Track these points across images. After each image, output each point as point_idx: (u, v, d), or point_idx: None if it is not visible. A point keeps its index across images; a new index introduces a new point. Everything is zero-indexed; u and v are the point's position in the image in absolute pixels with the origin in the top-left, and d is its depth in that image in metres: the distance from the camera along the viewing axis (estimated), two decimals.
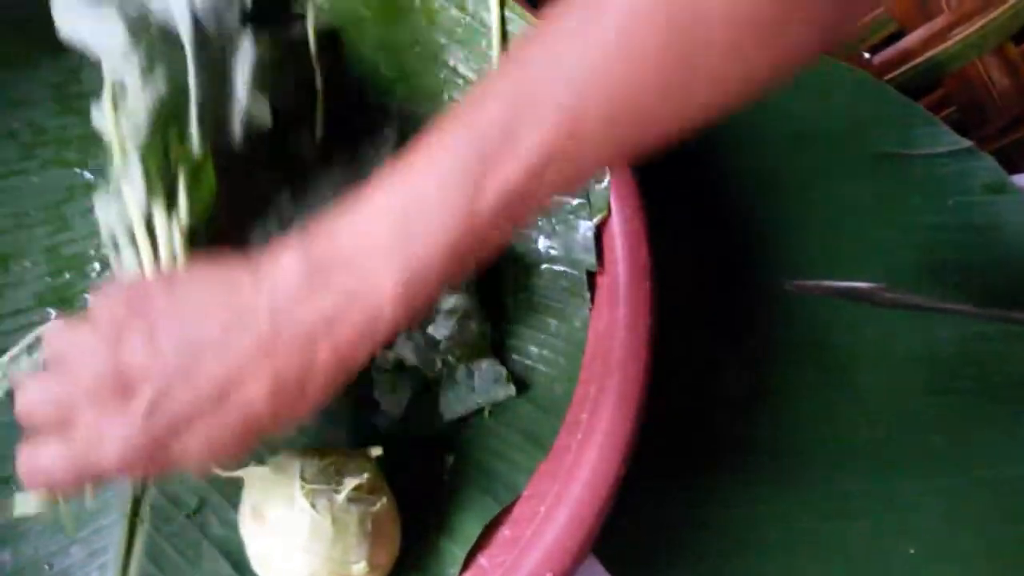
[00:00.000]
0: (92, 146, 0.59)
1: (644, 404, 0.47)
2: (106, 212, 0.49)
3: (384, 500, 0.46)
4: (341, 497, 0.44)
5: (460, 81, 0.59)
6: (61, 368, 0.38)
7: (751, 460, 0.56)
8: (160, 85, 0.49)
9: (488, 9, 0.57)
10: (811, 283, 0.54)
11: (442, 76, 0.59)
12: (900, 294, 0.56)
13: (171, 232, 0.49)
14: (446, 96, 0.59)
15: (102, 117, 0.52)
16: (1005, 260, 0.62)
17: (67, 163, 0.59)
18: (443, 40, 0.59)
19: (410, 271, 0.36)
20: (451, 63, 0.59)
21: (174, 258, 0.47)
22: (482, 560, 0.46)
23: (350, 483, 0.44)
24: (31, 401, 0.38)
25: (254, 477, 0.46)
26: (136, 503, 0.50)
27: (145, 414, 0.36)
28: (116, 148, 0.50)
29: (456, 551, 0.47)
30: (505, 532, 0.47)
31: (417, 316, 0.39)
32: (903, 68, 0.75)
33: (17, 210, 0.57)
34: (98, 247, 0.56)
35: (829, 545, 0.54)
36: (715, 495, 0.55)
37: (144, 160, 0.48)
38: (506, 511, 0.48)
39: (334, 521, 0.43)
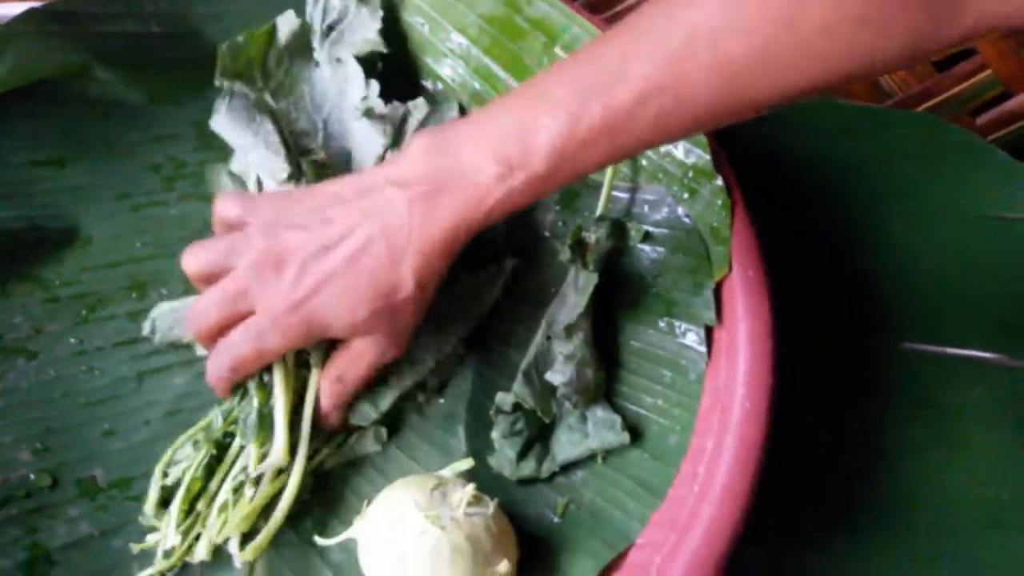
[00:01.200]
0: None
1: (762, 462, 0.48)
2: None
3: (494, 501, 0.48)
4: (460, 511, 0.46)
5: None
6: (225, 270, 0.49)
7: (863, 518, 0.56)
8: None
9: None
10: (930, 348, 0.54)
11: None
12: (1013, 361, 0.56)
13: None
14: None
15: None
16: None
17: (204, 197, 0.62)
18: None
19: (509, 165, 0.44)
20: None
21: None
22: None
23: (461, 496, 0.46)
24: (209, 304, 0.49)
25: (366, 529, 0.47)
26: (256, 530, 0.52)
27: (296, 275, 0.46)
28: None
29: None
30: None
31: (513, 210, 0.46)
32: (1008, 129, 0.75)
33: (158, 239, 0.60)
34: None
35: None
36: (827, 552, 0.55)
37: None
38: (619, 558, 0.49)
39: (466, 536, 0.45)
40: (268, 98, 0.59)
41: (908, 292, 0.63)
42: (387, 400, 0.54)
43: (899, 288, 0.63)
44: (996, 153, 0.70)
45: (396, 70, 0.63)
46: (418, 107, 0.60)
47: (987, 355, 0.54)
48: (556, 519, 0.51)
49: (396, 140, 0.58)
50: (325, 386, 0.51)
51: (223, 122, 0.59)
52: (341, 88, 0.59)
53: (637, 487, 0.51)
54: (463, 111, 0.63)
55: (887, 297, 0.63)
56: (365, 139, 0.57)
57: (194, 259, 0.50)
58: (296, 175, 0.56)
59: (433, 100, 0.63)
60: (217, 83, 0.59)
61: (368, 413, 0.54)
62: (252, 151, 0.58)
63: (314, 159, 0.57)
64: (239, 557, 0.50)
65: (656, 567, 0.46)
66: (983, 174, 0.69)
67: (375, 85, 0.59)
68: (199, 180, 0.62)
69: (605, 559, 0.48)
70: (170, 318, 0.56)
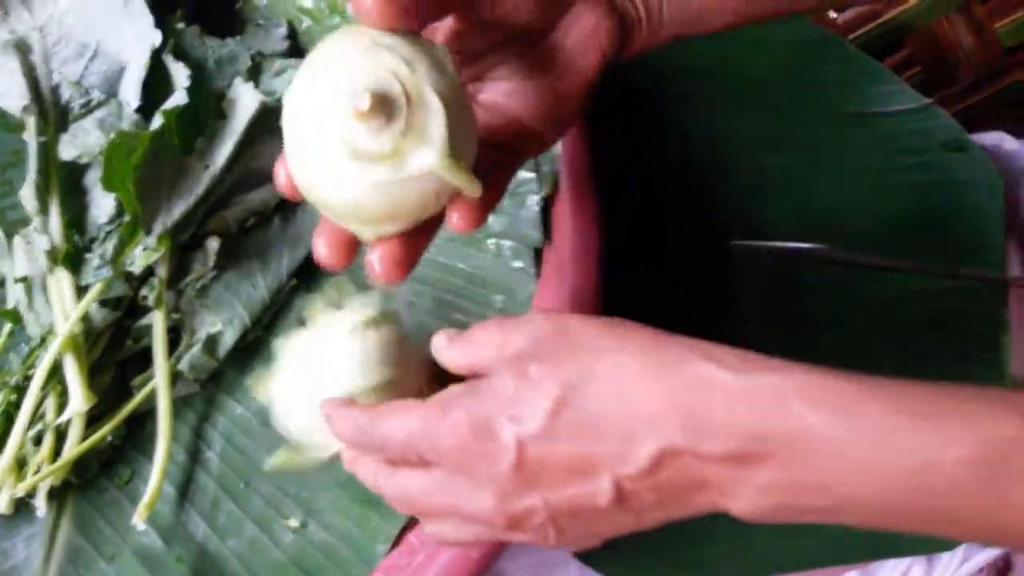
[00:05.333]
0: None
1: None
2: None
3: None
4: None
5: None
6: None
7: None
8: None
9: None
10: (755, 244, 0.53)
11: None
12: (845, 253, 0.55)
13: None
14: None
15: None
16: (962, 217, 0.61)
17: (11, 128, 0.57)
18: None
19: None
20: None
21: None
22: (411, 538, 0.45)
23: None
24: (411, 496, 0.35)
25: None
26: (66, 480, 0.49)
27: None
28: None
29: (387, 528, 0.46)
30: None
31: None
32: (868, 27, 0.73)
33: None
34: None
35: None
36: None
37: None
38: None
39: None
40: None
41: (760, 191, 0.61)
42: (225, 348, 0.51)
43: (750, 187, 0.61)
44: (851, 50, 0.67)
45: None
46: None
47: (813, 246, 0.53)
48: None
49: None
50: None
51: None
52: None
53: None
54: (292, 30, 0.59)
55: (735, 198, 0.61)
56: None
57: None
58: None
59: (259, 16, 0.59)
60: None
61: (208, 364, 0.51)
62: None
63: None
64: (42, 509, 0.47)
65: None
66: (840, 71, 0.67)
67: None
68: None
69: None
70: None
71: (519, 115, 0.37)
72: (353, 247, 0.34)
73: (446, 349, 0.36)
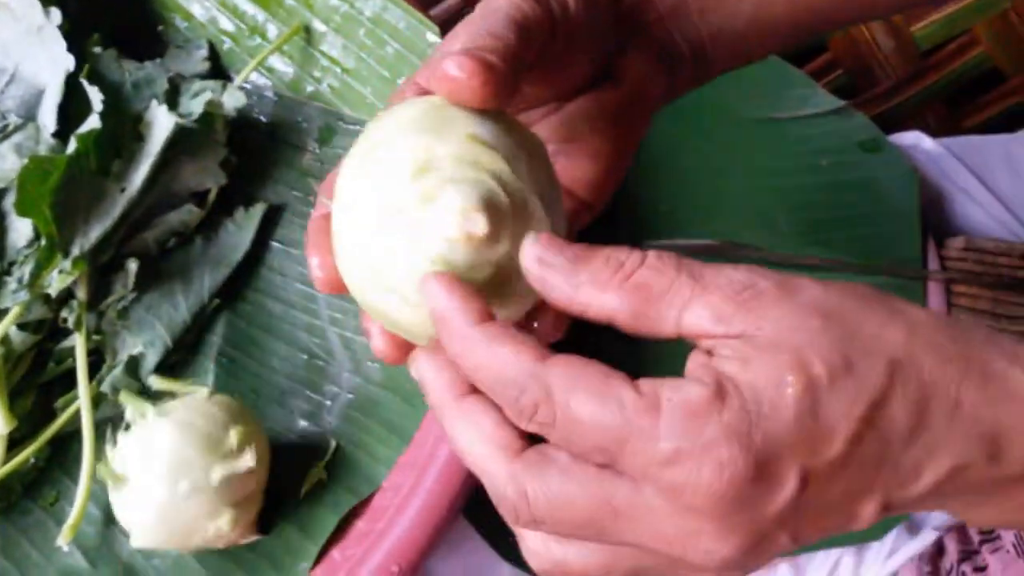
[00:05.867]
0: None
1: None
2: None
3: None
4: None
5: (338, 69, 0.58)
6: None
7: None
8: None
9: None
10: (665, 242, 0.54)
11: (322, 65, 0.58)
12: (759, 251, 0.56)
13: None
14: (325, 86, 0.58)
15: None
16: (877, 215, 0.62)
17: None
18: (321, 28, 0.58)
19: None
20: (327, 51, 0.58)
21: None
22: (335, 554, 0.46)
23: None
24: None
25: None
26: None
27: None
28: None
29: (310, 545, 0.47)
30: (360, 525, 0.47)
31: None
32: None
33: None
34: None
35: None
36: None
37: None
38: (365, 503, 0.48)
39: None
40: None
41: (677, 200, 0.62)
42: (147, 369, 0.52)
43: (666, 196, 0.62)
44: (771, 59, 0.68)
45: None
46: None
47: (722, 242, 0.54)
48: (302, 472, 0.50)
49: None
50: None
51: None
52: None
53: (388, 432, 0.50)
54: (213, 51, 0.59)
55: (652, 206, 0.62)
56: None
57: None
58: None
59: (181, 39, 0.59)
60: None
61: (130, 385, 0.51)
62: None
63: None
64: None
65: (393, 509, 0.46)
66: (755, 77, 0.67)
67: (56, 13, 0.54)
68: None
69: (348, 505, 0.47)
70: None
71: (568, 185, 0.32)
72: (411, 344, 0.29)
73: (573, 274, 0.26)
